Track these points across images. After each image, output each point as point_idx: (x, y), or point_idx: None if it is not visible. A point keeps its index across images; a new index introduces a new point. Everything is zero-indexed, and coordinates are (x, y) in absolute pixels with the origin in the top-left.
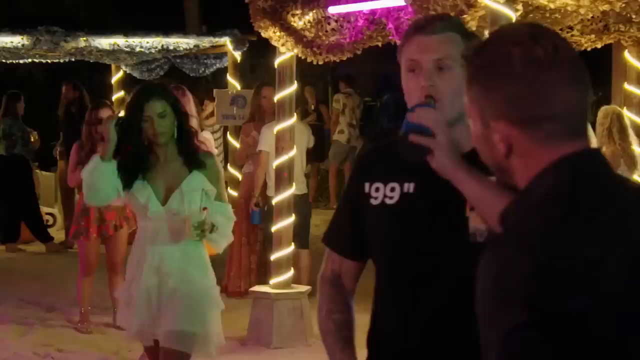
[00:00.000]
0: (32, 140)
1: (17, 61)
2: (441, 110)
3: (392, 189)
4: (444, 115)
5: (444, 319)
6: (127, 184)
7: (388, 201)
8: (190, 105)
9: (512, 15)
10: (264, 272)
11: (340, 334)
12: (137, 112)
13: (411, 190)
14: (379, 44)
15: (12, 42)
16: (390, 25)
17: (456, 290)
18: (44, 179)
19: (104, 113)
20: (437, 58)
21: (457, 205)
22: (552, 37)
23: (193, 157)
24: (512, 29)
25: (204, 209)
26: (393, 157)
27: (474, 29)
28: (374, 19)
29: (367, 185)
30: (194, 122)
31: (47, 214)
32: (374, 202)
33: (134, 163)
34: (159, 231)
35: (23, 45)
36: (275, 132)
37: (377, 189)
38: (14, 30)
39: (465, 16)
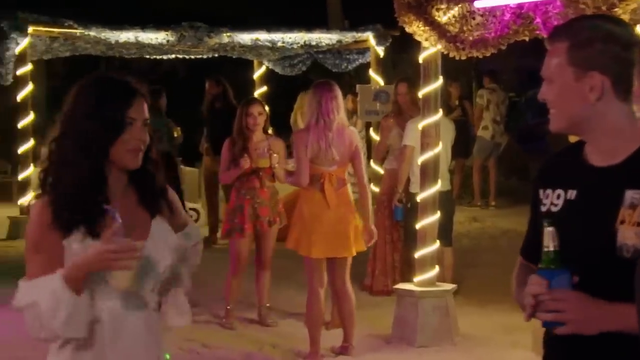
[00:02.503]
0: (175, 135)
1: (160, 57)
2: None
3: (558, 196)
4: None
5: None
6: (65, 230)
7: (553, 208)
8: (339, 101)
9: None
10: (407, 269)
11: None
12: (119, 109)
13: (573, 197)
14: (526, 38)
15: (156, 38)
16: (538, 20)
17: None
18: (188, 175)
19: (255, 109)
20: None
21: (609, 217)
22: None
23: (161, 196)
24: None
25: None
26: (564, 163)
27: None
28: (521, 12)
29: (540, 191)
30: (343, 118)
31: (190, 209)
32: (542, 208)
33: (84, 199)
34: (126, 320)
35: (168, 41)
36: (420, 128)
37: (547, 195)
38: (158, 26)
39: (616, 9)
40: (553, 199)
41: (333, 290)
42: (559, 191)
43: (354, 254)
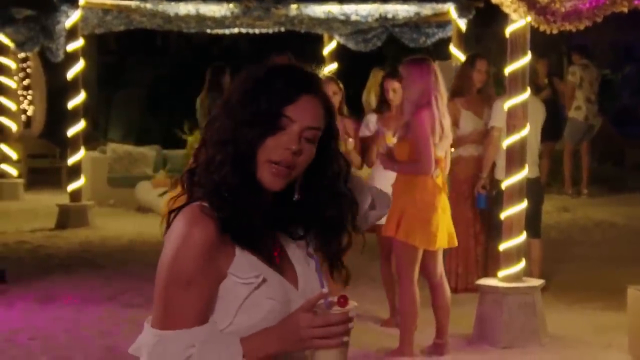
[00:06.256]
0: None
1: (222, 31)
2: None
3: None
4: None
5: None
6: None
7: None
8: (439, 80)
9: None
10: (488, 263)
11: None
12: (273, 101)
13: None
14: (624, 9)
15: (219, 10)
16: None
17: None
18: None
19: (330, 88)
20: None
21: None
22: None
23: None
24: None
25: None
26: None
27: None
28: None
29: None
30: (444, 103)
31: None
32: None
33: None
34: None
35: (232, 13)
36: (506, 109)
37: None
38: None
39: None
40: None
41: (430, 283)
42: None
43: (456, 243)
